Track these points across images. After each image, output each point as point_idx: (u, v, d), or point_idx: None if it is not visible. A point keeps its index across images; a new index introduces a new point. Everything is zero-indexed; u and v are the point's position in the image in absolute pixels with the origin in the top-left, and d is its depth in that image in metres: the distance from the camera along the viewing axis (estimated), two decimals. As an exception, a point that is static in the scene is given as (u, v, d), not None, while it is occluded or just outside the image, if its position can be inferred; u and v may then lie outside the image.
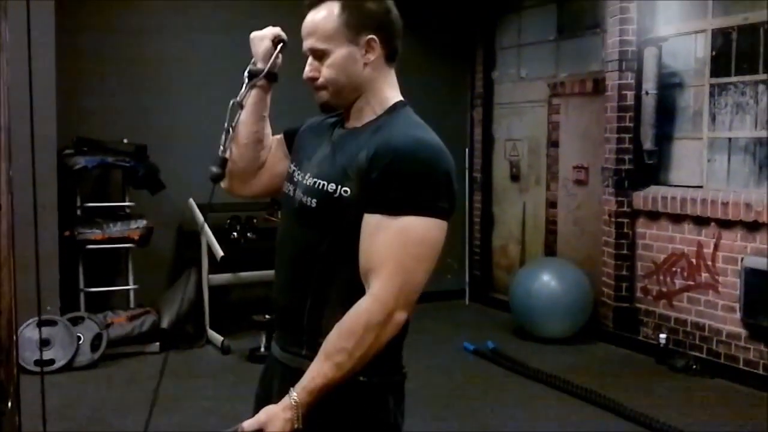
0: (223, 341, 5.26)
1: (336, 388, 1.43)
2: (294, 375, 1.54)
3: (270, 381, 1.63)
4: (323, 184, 1.51)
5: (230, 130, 1.64)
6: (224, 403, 4.06)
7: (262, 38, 1.65)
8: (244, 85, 1.63)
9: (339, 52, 1.50)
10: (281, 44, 1.64)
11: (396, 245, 1.42)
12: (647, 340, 5.32)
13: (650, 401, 4.24)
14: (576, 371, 4.79)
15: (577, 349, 5.43)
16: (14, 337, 1.36)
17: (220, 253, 5.27)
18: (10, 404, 1.36)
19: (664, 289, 5.25)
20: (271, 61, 1.63)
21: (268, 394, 1.62)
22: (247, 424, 1.43)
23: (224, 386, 4.46)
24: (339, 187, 1.48)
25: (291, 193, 1.60)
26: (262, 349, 4.98)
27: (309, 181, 1.55)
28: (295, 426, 1.42)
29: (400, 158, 1.45)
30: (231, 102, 1.64)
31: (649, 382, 4.74)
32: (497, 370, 5.00)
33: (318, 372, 1.42)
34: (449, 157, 1.51)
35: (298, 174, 1.61)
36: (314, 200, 1.51)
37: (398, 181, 1.44)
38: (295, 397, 1.42)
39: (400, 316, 1.43)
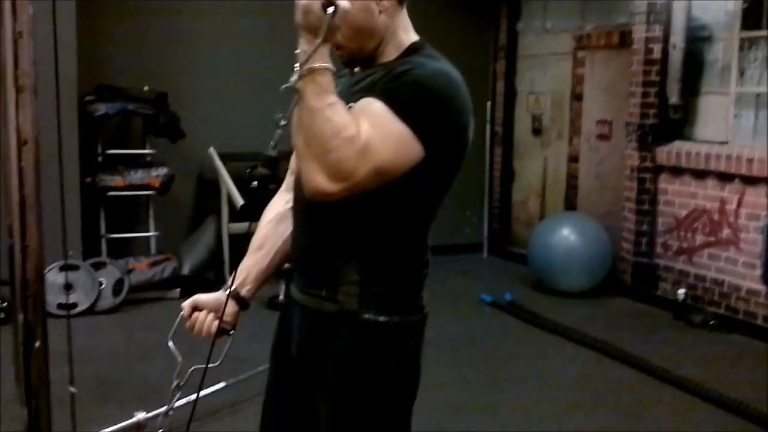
0: (242, 289, 5.30)
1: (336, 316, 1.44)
2: (313, 315, 1.54)
3: (289, 321, 1.64)
4: None
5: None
6: (243, 348, 4.09)
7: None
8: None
9: (356, 6, 1.46)
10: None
11: (383, 130, 1.37)
12: (665, 295, 5.30)
13: (667, 355, 4.24)
14: (593, 324, 4.80)
15: (594, 303, 5.43)
16: (42, 280, 1.37)
17: (240, 201, 5.29)
18: (38, 344, 1.39)
19: (685, 245, 5.21)
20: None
21: (288, 334, 1.63)
22: None
23: (243, 332, 4.48)
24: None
25: None
26: (281, 297, 5.02)
27: None
28: None
29: (415, 72, 1.42)
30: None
31: (666, 336, 4.74)
32: (514, 321, 5.02)
33: (328, 90, 1.35)
34: (467, 99, 1.48)
35: None
36: None
37: (405, 86, 1.41)
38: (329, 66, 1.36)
39: (334, 185, 1.35)
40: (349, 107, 1.41)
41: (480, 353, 4.42)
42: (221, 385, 3.43)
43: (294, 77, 1.36)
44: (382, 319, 1.48)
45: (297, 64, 1.36)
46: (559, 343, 4.58)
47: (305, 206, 1.59)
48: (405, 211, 1.49)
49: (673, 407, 3.65)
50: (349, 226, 1.48)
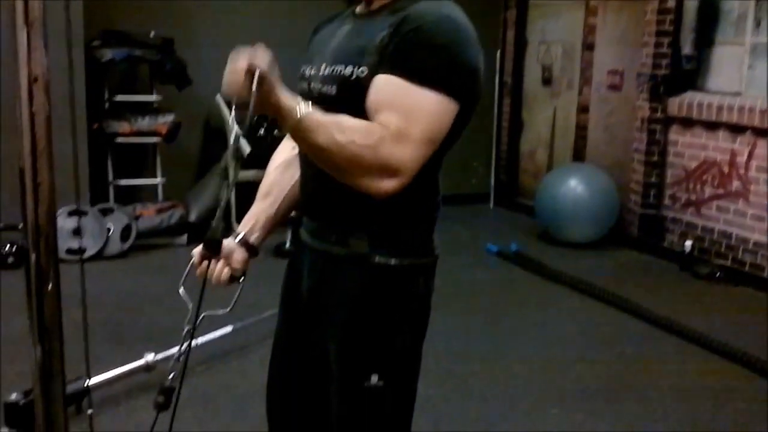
0: (249, 236, 5.32)
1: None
2: (323, 258, 1.54)
3: (299, 266, 1.64)
4: (340, 69, 1.44)
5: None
6: (249, 294, 4.14)
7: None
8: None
9: None
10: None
11: (408, 107, 1.34)
12: (672, 247, 5.30)
13: (672, 306, 4.26)
14: (599, 275, 4.81)
15: (600, 254, 5.44)
16: (54, 222, 1.37)
17: (246, 149, 5.27)
18: (51, 286, 1.39)
19: (693, 197, 5.19)
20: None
21: (298, 278, 1.63)
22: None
23: (249, 278, 4.53)
24: (355, 68, 1.41)
25: (307, 88, 1.55)
26: (288, 245, 5.04)
27: (326, 70, 1.49)
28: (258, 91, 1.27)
29: (423, 29, 1.38)
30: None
31: (671, 287, 4.76)
32: (520, 271, 5.04)
33: (317, 119, 1.32)
34: (477, 41, 1.45)
35: (311, 69, 1.54)
36: (333, 87, 1.45)
37: (418, 50, 1.37)
38: (294, 108, 1.31)
39: (392, 182, 1.34)
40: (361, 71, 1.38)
41: (485, 302, 4.44)
42: (228, 329, 3.46)
43: (231, 174, 1.30)
44: (393, 261, 1.48)
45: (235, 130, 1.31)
46: (565, 293, 4.60)
47: None
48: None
49: (678, 357, 3.67)
50: None
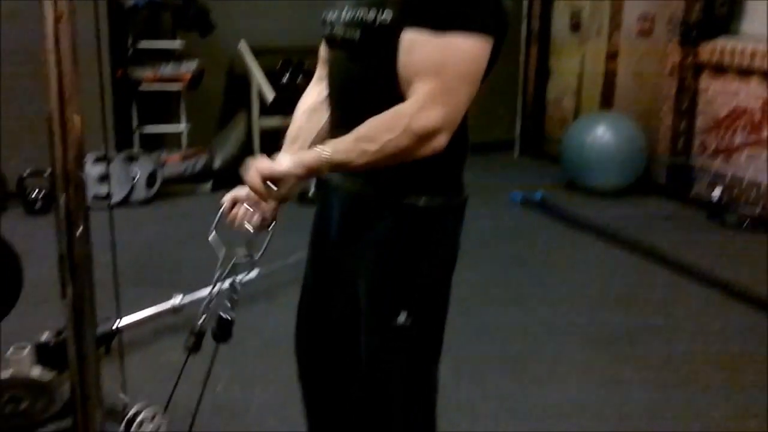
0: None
1: (373, 199, 1.42)
2: (353, 199, 1.54)
3: (328, 208, 1.63)
4: (362, 13, 1.42)
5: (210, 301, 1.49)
6: (275, 241, 4.17)
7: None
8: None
9: None
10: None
11: (439, 62, 1.34)
12: (700, 196, 5.24)
13: (698, 254, 4.22)
14: (624, 223, 4.77)
15: (626, 202, 5.39)
16: (82, 167, 1.39)
17: (270, 96, 5.25)
18: (81, 230, 1.41)
19: (723, 145, 5.10)
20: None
21: (327, 220, 1.63)
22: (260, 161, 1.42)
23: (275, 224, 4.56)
24: (378, 13, 1.39)
25: (330, 33, 1.53)
26: (311, 193, 5.04)
27: (348, 14, 1.46)
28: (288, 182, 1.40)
29: None
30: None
31: (698, 236, 4.71)
32: (544, 219, 5.01)
33: (343, 149, 1.38)
34: None
35: (333, 14, 1.52)
36: (357, 32, 1.43)
37: (443, 2, 1.35)
38: (316, 158, 1.39)
39: (440, 139, 1.36)
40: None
41: (509, 250, 4.43)
42: (255, 273, 3.48)
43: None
44: (422, 201, 1.48)
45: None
46: (590, 241, 4.58)
47: (341, 93, 1.56)
48: None
49: (704, 304, 3.66)
50: (388, 109, 1.45)
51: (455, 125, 1.38)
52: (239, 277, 1.47)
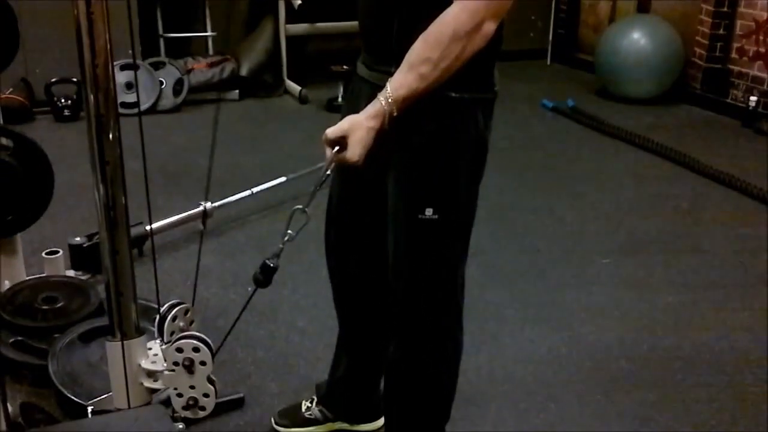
0: (300, 90, 5.29)
1: (419, 99, 1.39)
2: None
3: (357, 101, 1.60)
4: None
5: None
6: (303, 147, 4.17)
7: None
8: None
9: None
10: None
11: None
12: (736, 102, 5.11)
13: (732, 161, 4.14)
14: (657, 130, 4.69)
15: (660, 109, 5.28)
16: (112, 74, 1.38)
17: (297, 1, 5.15)
18: (111, 136, 1.41)
19: (762, 50, 4.93)
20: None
21: (355, 112, 1.61)
22: (330, 131, 1.43)
23: (302, 132, 4.55)
24: None
25: None
26: (340, 99, 5.00)
27: None
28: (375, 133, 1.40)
29: None
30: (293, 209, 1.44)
31: (733, 143, 4.61)
32: (575, 126, 4.93)
33: (401, 82, 1.38)
34: None
35: None
36: None
37: None
38: (380, 106, 1.40)
39: (489, 27, 1.35)
40: None
41: (539, 156, 4.39)
42: (282, 179, 3.50)
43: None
44: (453, 94, 1.45)
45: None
46: (621, 148, 4.51)
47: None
48: None
49: (736, 211, 3.61)
50: (418, 6, 1.40)
51: (502, 11, 1.37)
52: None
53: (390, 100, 1.38)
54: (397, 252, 1.59)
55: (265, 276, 1.44)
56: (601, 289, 2.87)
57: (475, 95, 1.49)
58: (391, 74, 1.47)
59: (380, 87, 1.47)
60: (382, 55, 1.52)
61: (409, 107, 1.40)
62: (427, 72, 1.36)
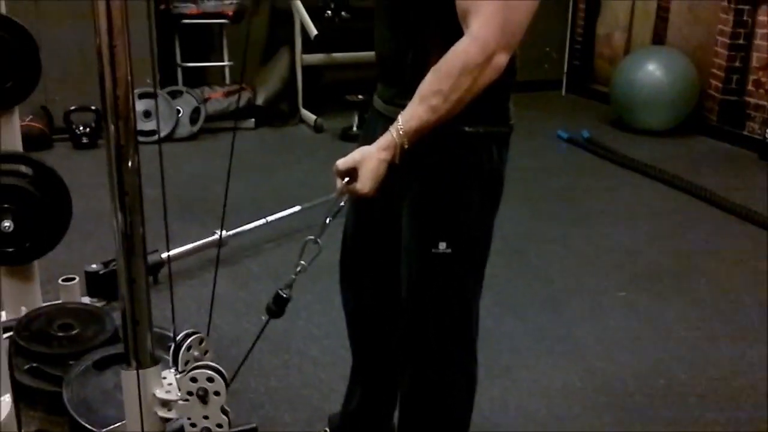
0: (316, 120, 5.33)
1: (431, 131, 1.40)
2: None
3: (372, 133, 1.61)
4: None
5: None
6: (317, 176, 4.18)
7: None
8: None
9: None
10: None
11: None
12: (753, 135, 5.09)
13: (749, 194, 4.12)
14: (673, 162, 4.67)
15: (676, 141, 5.27)
16: (132, 104, 1.39)
17: (313, 32, 5.20)
18: (131, 165, 1.43)
19: (779, 83, 4.93)
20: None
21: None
22: (342, 162, 1.43)
23: (317, 161, 4.57)
24: None
25: None
26: (355, 129, 5.03)
27: None
28: (386, 166, 1.40)
29: None
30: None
31: (750, 176, 4.59)
32: (590, 157, 4.93)
33: (413, 114, 1.38)
34: None
35: None
36: None
37: None
38: (391, 138, 1.40)
39: (501, 59, 1.35)
40: None
41: (554, 187, 4.38)
42: (297, 208, 3.51)
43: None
44: (467, 128, 1.45)
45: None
46: (637, 180, 4.50)
47: (388, 15, 1.53)
48: None
49: (753, 245, 3.58)
50: (435, 34, 1.42)
51: (515, 43, 1.36)
52: (303, 262, 1.46)
53: (401, 132, 1.38)
54: (410, 285, 1.59)
55: (278, 306, 1.44)
56: (616, 322, 2.85)
57: (489, 129, 1.49)
58: (405, 107, 1.48)
59: (394, 120, 1.48)
60: (397, 88, 1.53)
61: (422, 139, 1.41)
62: (437, 104, 1.36)
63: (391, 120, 1.52)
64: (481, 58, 1.33)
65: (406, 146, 1.39)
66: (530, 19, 1.36)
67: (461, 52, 1.34)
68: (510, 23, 1.34)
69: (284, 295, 1.44)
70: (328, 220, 1.47)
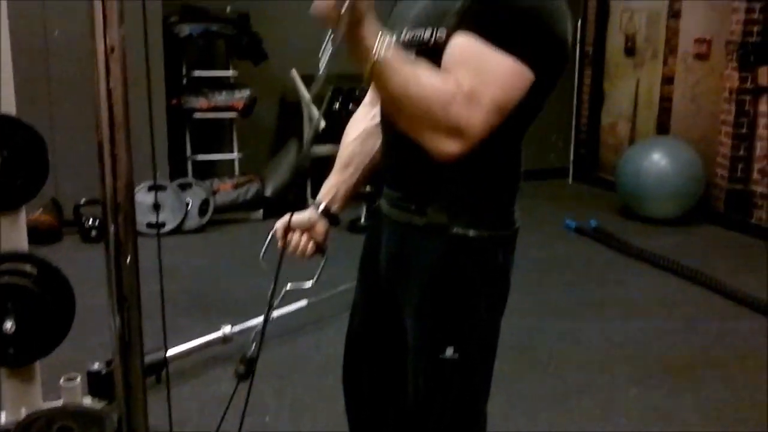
0: (324, 211, 5.34)
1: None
2: (402, 228, 1.51)
3: (377, 236, 1.61)
4: (420, 33, 1.39)
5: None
6: (325, 269, 4.17)
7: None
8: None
9: None
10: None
11: (480, 68, 1.27)
12: (760, 223, 5.08)
13: (761, 284, 4.07)
14: (682, 252, 4.65)
15: (684, 230, 5.26)
16: (132, 197, 1.39)
17: (321, 124, 5.28)
18: (129, 259, 1.41)
19: (785, 172, 4.95)
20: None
21: (376, 249, 1.61)
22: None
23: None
24: (434, 31, 1.35)
25: None
26: (362, 220, 5.04)
27: (406, 36, 1.45)
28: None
29: (509, 2, 1.30)
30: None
31: (760, 265, 4.54)
32: (599, 247, 4.92)
33: (399, 71, 1.26)
34: (567, 10, 1.36)
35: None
36: (412, 53, 1.41)
37: (500, 11, 1.30)
38: (381, 50, 1.24)
39: (455, 145, 1.26)
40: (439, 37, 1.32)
41: (563, 278, 4.35)
42: (303, 303, 3.48)
43: (323, 67, 1.25)
44: (471, 233, 1.44)
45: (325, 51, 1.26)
46: (646, 270, 4.46)
47: (391, 123, 1.55)
48: (501, 126, 1.41)
49: (766, 337, 3.52)
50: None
51: (474, 142, 1.29)
52: (276, 312, 1.44)
53: (380, 59, 1.24)
54: (416, 388, 1.56)
55: (246, 367, 1.42)
56: (628, 421, 2.77)
57: (495, 233, 1.48)
58: (411, 210, 1.47)
59: (400, 223, 1.48)
60: (402, 191, 1.52)
61: (425, 243, 1.39)
62: (409, 90, 1.26)
63: (396, 222, 1.52)
64: (456, 121, 1.26)
65: (368, 66, 1.25)
66: (495, 123, 1.30)
67: (453, 96, 1.26)
68: (486, 115, 1.28)
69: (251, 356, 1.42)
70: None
